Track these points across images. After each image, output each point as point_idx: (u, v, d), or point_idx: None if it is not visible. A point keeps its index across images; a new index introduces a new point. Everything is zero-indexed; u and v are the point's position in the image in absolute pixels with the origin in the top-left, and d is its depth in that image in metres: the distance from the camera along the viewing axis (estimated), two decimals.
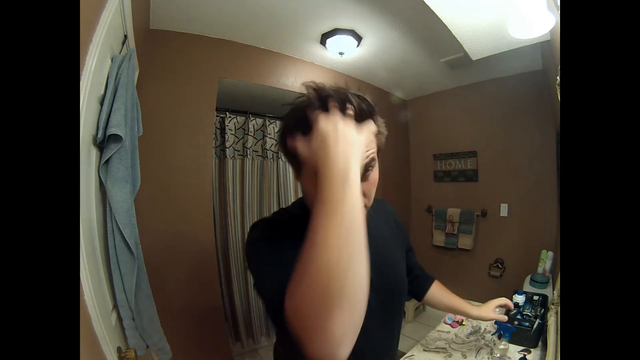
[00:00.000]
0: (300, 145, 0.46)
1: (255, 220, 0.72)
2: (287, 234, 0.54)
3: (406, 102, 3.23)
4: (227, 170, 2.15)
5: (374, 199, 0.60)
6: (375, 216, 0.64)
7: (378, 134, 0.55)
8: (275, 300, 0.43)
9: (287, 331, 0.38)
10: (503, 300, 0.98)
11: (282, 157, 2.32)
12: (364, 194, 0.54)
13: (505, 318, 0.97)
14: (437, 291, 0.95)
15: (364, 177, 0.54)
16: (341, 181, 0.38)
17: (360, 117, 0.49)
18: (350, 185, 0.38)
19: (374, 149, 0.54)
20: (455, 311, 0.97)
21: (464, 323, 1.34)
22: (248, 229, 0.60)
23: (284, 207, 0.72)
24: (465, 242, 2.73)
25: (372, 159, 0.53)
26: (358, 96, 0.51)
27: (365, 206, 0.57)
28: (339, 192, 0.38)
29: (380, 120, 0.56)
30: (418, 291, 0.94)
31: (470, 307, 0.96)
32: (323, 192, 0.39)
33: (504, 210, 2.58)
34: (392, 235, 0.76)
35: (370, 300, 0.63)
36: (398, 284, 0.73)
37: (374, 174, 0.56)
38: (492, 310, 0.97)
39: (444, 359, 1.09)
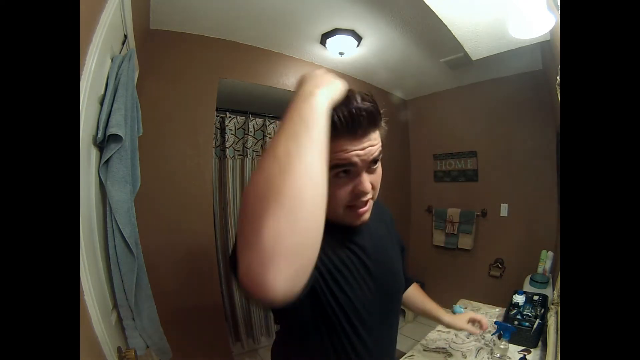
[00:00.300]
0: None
1: None
2: None
3: (406, 102, 3.23)
4: (227, 170, 2.15)
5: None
6: (374, 216, 0.66)
7: (380, 129, 0.56)
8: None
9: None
10: (479, 316, 0.98)
11: None
12: (372, 186, 0.56)
13: (477, 331, 0.97)
14: (413, 293, 0.95)
15: (372, 170, 0.56)
16: (302, 99, 0.40)
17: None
18: (309, 101, 0.39)
19: (380, 143, 0.55)
20: (429, 315, 0.96)
21: None
22: None
23: None
24: (465, 242, 2.73)
25: (380, 152, 0.55)
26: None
27: (372, 198, 0.58)
28: (296, 106, 0.39)
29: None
30: None
31: (444, 313, 0.96)
32: (286, 112, 0.40)
33: (504, 210, 2.58)
34: (389, 235, 0.76)
35: (369, 299, 0.64)
36: (396, 283, 0.73)
37: (380, 167, 0.58)
38: (466, 321, 0.96)
39: (444, 359, 1.09)
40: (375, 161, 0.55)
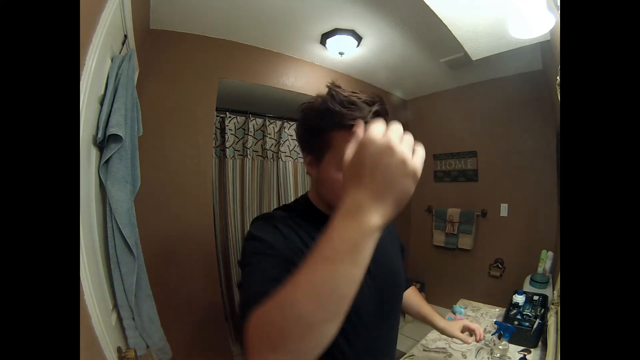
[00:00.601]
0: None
1: None
2: (282, 230, 0.57)
3: (406, 102, 3.23)
4: (227, 170, 2.15)
5: None
6: None
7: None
8: (244, 307, 0.41)
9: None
10: (474, 325, 0.94)
11: (283, 157, 2.32)
12: None
13: (470, 340, 0.92)
14: (410, 296, 0.94)
15: None
16: (360, 223, 0.32)
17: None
18: (367, 235, 0.31)
19: None
20: (423, 319, 0.95)
21: None
22: (248, 229, 0.63)
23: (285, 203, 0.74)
24: (465, 242, 2.73)
25: None
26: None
27: None
28: (352, 238, 0.31)
29: None
30: None
31: (439, 318, 0.94)
32: (334, 225, 0.32)
33: (504, 210, 2.58)
34: (389, 236, 0.77)
35: (369, 299, 0.64)
36: (396, 283, 0.74)
37: None
38: (458, 328, 0.93)
39: (444, 359, 1.09)
40: None
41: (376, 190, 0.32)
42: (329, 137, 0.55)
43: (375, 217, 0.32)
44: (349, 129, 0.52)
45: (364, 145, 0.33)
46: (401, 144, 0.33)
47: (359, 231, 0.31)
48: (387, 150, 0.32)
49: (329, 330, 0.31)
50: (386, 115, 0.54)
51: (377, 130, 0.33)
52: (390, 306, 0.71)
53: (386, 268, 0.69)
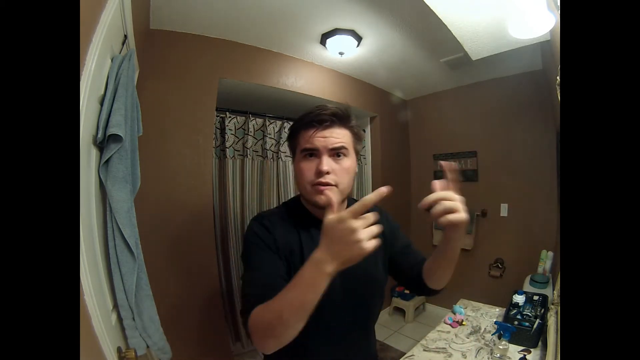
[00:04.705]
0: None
1: None
2: (278, 226, 0.70)
3: (406, 102, 3.23)
4: (227, 170, 2.15)
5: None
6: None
7: (349, 129, 0.70)
8: (247, 303, 0.59)
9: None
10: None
11: (283, 157, 2.32)
12: (335, 173, 0.66)
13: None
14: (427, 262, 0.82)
15: (335, 159, 0.67)
16: (319, 270, 0.49)
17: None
18: (322, 277, 0.49)
19: (343, 139, 0.68)
20: (437, 257, 0.78)
21: (464, 323, 1.34)
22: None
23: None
24: (465, 242, 2.73)
25: (341, 146, 0.67)
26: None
27: (336, 185, 0.66)
28: (313, 278, 0.50)
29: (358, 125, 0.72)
30: (419, 282, 0.77)
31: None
32: (305, 268, 0.51)
33: (504, 210, 2.58)
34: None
35: (337, 304, 0.68)
36: (369, 288, 0.76)
37: (347, 161, 0.68)
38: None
39: (444, 359, 1.09)
40: (337, 152, 0.67)
41: (332, 252, 0.48)
42: (297, 136, 0.70)
43: (329, 267, 0.48)
44: (305, 128, 0.67)
45: (328, 222, 0.49)
46: (356, 221, 0.47)
47: (317, 274, 0.49)
48: (340, 225, 0.47)
49: (298, 327, 0.52)
50: (334, 118, 0.67)
51: (335, 215, 0.49)
52: (364, 313, 0.76)
53: (360, 272, 0.71)
